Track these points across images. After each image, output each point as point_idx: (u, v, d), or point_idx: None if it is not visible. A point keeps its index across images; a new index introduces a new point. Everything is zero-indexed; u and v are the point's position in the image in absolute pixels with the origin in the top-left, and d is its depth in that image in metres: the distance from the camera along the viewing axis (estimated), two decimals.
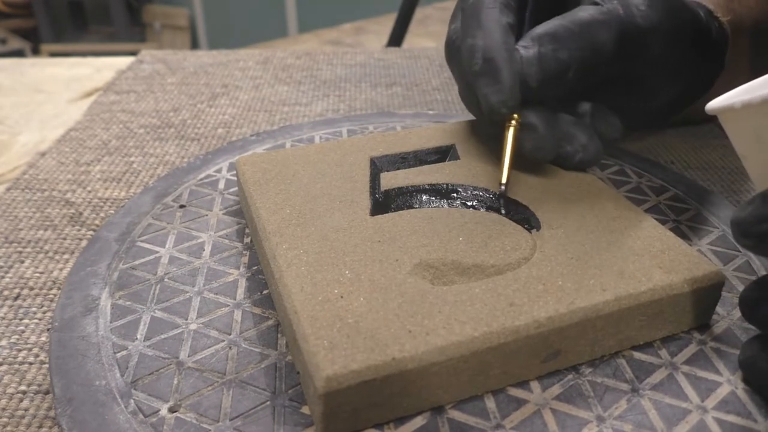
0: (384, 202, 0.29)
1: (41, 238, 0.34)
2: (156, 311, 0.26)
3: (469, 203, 0.29)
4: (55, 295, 0.30)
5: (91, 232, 0.34)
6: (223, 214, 0.32)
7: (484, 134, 0.34)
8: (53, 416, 0.24)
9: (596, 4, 0.29)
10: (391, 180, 0.30)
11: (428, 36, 2.45)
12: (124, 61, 0.59)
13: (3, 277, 0.31)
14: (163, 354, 0.24)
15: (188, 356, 0.24)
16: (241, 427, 0.21)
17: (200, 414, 0.22)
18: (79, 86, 0.54)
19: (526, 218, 0.28)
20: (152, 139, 0.44)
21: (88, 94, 0.53)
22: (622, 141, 0.40)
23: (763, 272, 0.28)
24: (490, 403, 0.22)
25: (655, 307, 0.24)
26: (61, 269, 0.31)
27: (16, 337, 0.27)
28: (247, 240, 0.30)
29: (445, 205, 0.29)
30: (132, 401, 0.22)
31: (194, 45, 2.51)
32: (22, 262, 0.32)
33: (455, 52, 0.31)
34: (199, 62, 0.58)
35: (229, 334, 0.25)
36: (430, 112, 0.45)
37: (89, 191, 0.38)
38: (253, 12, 2.52)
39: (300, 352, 0.21)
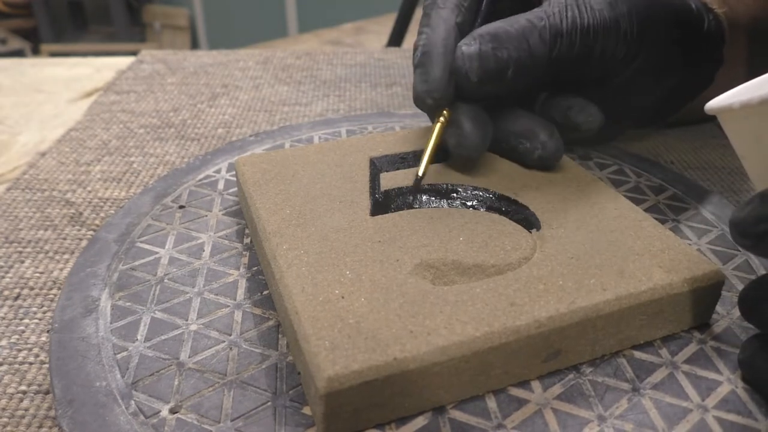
0: (384, 203, 0.29)
1: (41, 238, 0.34)
2: (156, 312, 0.26)
3: (469, 203, 0.29)
4: (55, 295, 0.30)
5: (91, 232, 0.34)
6: (223, 214, 0.32)
7: None
8: (53, 416, 0.24)
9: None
10: (390, 180, 0.30)
11: None
12: (124, 61, 0.59)
13: (3, 277, 0.31)
14: (164, 355, 0.24)
15: (189, 357, 0.24)
16: (242, 427, 0.21)
17: (201, 415, 0.22)
18: (79, 86, 0.54)
19: (526, 218, 0.28)
20: (152, 139, 0.44)
21: (88, 94, 0.53)
22: (620, 140, 0.40)
23: (762, 271, 0.28)
24: (491, 402, 0.22)
25: (655, 306, 0.24)
26: (61, 269, 0.31)
27: (16, 337, 0.27)
28: (246, 240, 0.30)
29: (445, 205, 0.29)
30: (133, 402, 0.22)
31: (194, 45, 2.51)
32: (22, 262, 0.32)
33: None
34: (199, 62, 0.58)
35: (230, 335, 0.25)
36: None
37: (89, 191, 0.38)
38: (253, 12, 2.52)
39: (301, 353, 0.21)
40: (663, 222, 0.31)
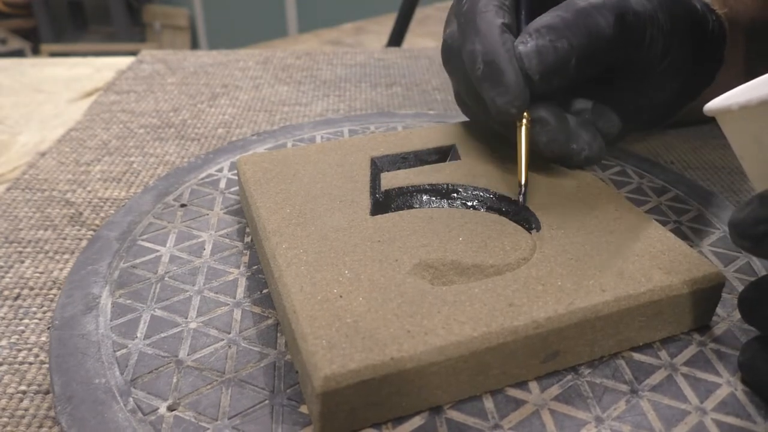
0: (384, 202, 0.29)
1: (41, 238, 0.34)
2: (156, 310, 0.26)
3: (469, 203, 0.29)
4: (55, 295, 0.30)
5: (91, 232, 0.34)
6: (224, 213, 0.32)
7: (485, 134, 0.34)
8: (53, 416, 0.24)
9: None
10: (391, 180, 0.30)
11: (428, 36, 2.45)
12: (124, 61, 0.59)
13: (3, 277, 0.31)
14: (163, 352, 0.24)
15: (188, 355, 0.24)
16: (239, 425, 0.21)
17: (199, 412, 0.22)
18: (79, 86, 0.54)
19: (526, 218, 0.28)
20: (152, 139, 0.44)
21: (88, 94, 0.53)
22: (623, 141, 0.40)
23: (764, 273, 0.28)
24: (489, 403, 0.22)
25: (654, 308, 0.24)
26: (61, 269, 0.31)
27: (16, 337, 0.27)
28: (247, 239, 0.30)
29: (446, 206, 0.29)
30: (131, 399, 0.22)
31: (194, 45, 2.51)
32: (22, 262, 0.32)
33: (452, 57, 0.31)
34: (199, 62, 0.58)
35: (229, 333, 0.25)
36: (431, 112, 0.45)
37: (89, 191, 0.38)
38: (253, 12, 2.52)
39: (299, 352, 0.21)
40: (665, 224, 0.31)
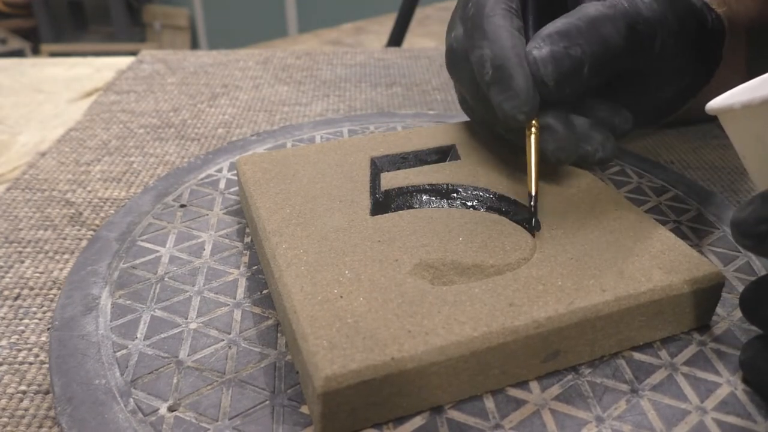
0: (384, 202, 0.29)
1: (41, 238, 0.34)
2: (156, 310, 0.26)
3: (469, 203, 0.29)
4: (55, 295, 0.30)
5: (91, 232, 0.34)
6: (224, 213, 0.32)
7: (485, 135, 0.34)
8: (53, 416, 0.24)
9: None
10: (391, 180, 0.30)
11: (428, 36, 2.45)
12: (124, 61, 0.59)
13: (3, 277, 0.31)
14: (163, 353, 0.24)
15: (188, 355, 0.24)
16: (240, 426, 0.21)
17: (199, 413, 0.22)
18: (79, 86, 0.54)
19: (526, 219, 0.28)
20: (152, 139, 0.44)
21: (88, 94, 0.53)
22: (622, 141, 0.40)
23: (764, 272, 0.28)
24: (489, 403, 0.22)
25: (654, 307, 0.24)
26: (61, 269, 0.31)
27: (16, 337, 0.27)
28: (247, 239, 0.30)
29: (446, 206, 0.29)
30: (131, 400, 0.22)
31: (194, 45, 2.51)
32: (22, 262, 0.32)
33: (458, 62, 0.31)
34: (199, 62, 0.58)
35: (229, 334, 0.25)
36: (431, 112, 0.45)
37: (89, 191, 0.38)
38: (253, 12, 2.52)
39: (299, 352, 0.21)
40: (664, 223, 0.31)
